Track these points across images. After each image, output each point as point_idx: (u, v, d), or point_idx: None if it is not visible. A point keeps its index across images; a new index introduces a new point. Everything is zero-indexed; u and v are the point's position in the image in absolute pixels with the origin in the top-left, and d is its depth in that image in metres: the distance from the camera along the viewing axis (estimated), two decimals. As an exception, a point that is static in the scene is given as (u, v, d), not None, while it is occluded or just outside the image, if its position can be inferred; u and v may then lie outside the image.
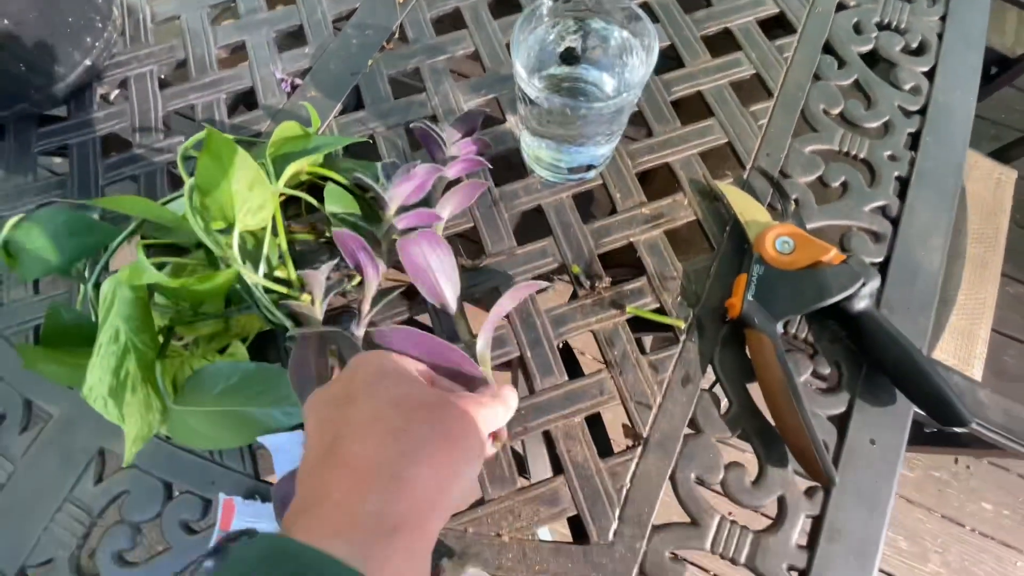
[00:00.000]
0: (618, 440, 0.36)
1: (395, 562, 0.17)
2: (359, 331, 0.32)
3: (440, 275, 0.32)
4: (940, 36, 0.47)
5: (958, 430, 0.34)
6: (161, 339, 0.32)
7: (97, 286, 0.35)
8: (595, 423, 0.36)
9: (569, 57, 0.35)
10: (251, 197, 0.31)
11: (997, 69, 1.00)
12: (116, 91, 0.48)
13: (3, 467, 0.36)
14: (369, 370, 0.22)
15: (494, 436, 0.28)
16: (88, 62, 0.45)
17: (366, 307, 0.33)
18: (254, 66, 0.46)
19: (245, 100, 0.48)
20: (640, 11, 0.33)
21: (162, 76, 0.47)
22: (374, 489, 0.18)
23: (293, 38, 0.48)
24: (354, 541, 0.17)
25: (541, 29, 0.35)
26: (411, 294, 0.38)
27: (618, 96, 0.31)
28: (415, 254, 0.32)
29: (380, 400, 0.21)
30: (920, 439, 0.85)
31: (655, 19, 0.46)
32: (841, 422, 0.35)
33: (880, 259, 0.39)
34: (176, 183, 0.43)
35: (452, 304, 0.33)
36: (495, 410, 0.24)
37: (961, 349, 0.70)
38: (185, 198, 0.30)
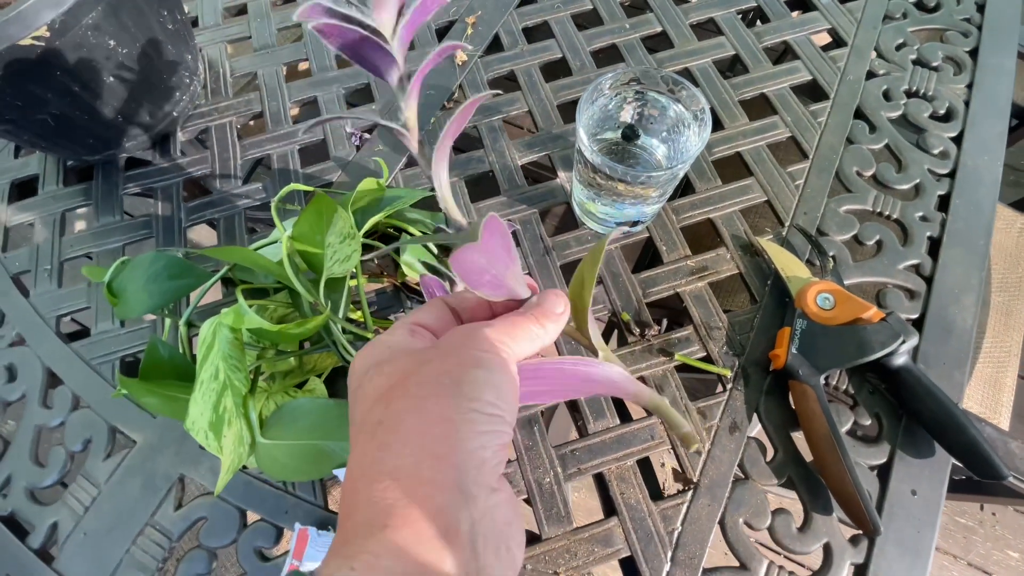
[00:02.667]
0: (668, 485, 0.38)
1: (382, 561, 0.15)
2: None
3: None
4: (967, 103, 0.50)
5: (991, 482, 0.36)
6: (251, 376, 0.35)
7: (189, 324, 0.39)
8: (646, 467, 0.38)
9: (629, 134, 0.39)
10: (341, 248, 0.34)
11: (1016, 122, 1.03)
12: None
13: (88, 491, 0.38)
14: (352, 379, 0.20)
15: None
16: (175, 113, 0.49)
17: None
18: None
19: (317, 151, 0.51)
20: (694, 89, 0.36)
21: (240, 127, 0.51)
22: (351, 497, 0.17)
23: (362, 96, 0.52)
24: (341, 554, 0.15)
25: (602, 100, 0.38)
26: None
27: (671, 166, 0.34)
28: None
29: (359, 403, 0.19)
30: (952, 486, 0.85)
31: (696, 84, 0.50)
32: (883, 472, 0.37)
33: (915, 315, 0.41)
34: (251, 227, 0.47)
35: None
36: (520, 323, 0.20)
37: (988, 397, 0.71)
38: (283, 248, 0.34)
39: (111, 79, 0.42)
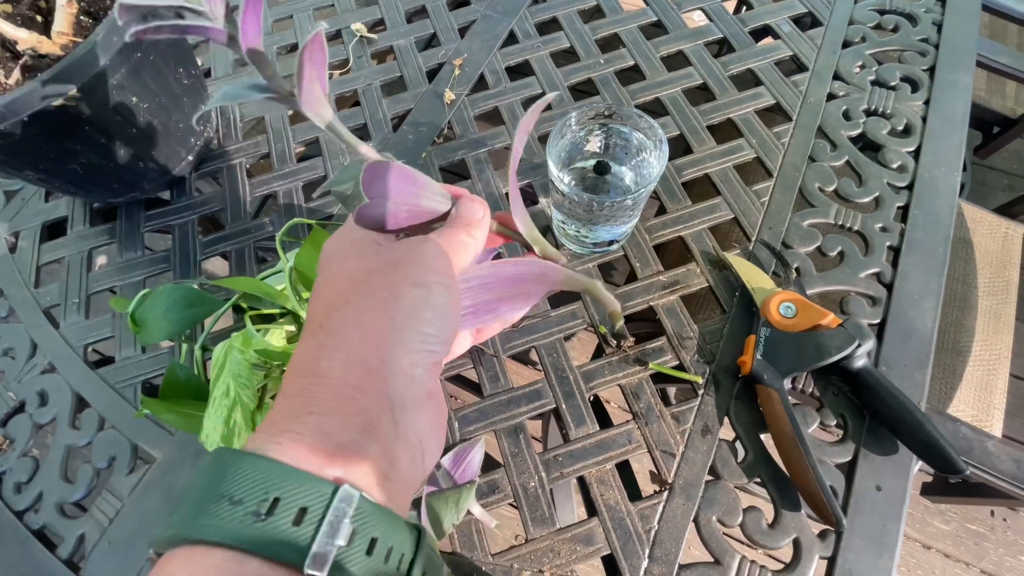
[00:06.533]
0: (645, 486, 0.41)
1: (305, 439, 0.17)
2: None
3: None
4: (924, 119, 0.53)
5: (956, 478, 0.38)
6: (258, 393, 0.38)
7: (203, 348, 0.42)
8: (625, 469, 0.40)
9: (601, 168, 0.42)
10: (336, 276, 0.38)
11: (1000, 128, 1.06)
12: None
13: (112, 504, 0.42)
14: (320, 265, 0.22)
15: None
16: (190, 157, 0.54)
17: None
18: (327, 158, 0.54)
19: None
20: (652, 120, 0.40)
21: (249, 167, 0.56)
22: (289, 386, 0.18)
23: (359, 134, 0.56)
24: (266, 434, 0.17)
25: (570, 134, 0.42)
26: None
27: (637, 191, 0.38)
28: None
29: (314, 297, 0.21)
30: (948, 489, 0.85)
31: (666, 112, 0.54)
32: (848, 470, 0.39)
33: (877, 321, 0.43)
34: (261, 258, 0.51)
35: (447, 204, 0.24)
36: (451, 241, 0.22)
37: (980, 400, 0.72)
38: (285, 276, 0.38)
39: (134, 131, 0.47)
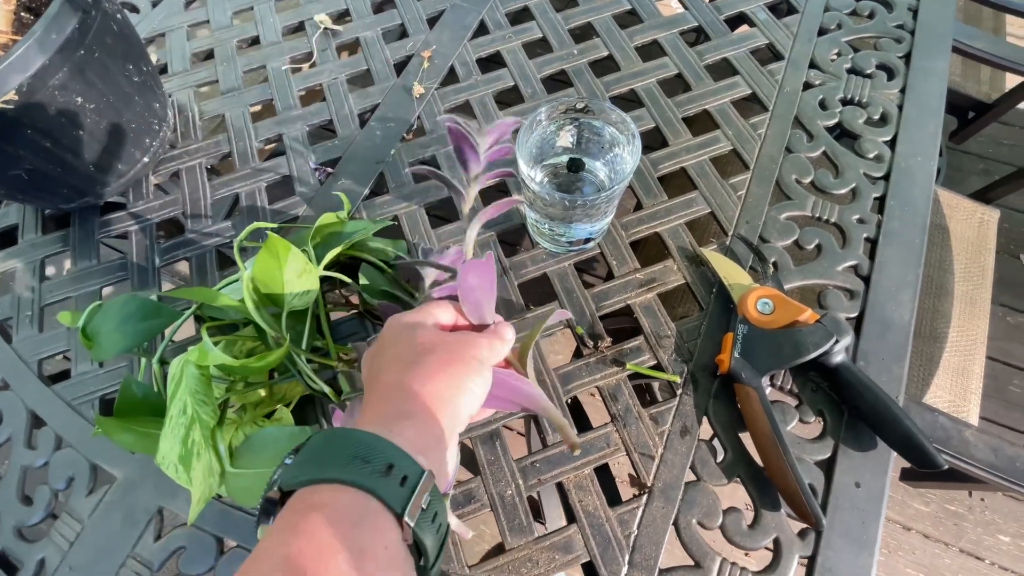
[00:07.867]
0: (624, 490, 0.40)
1: (407, 433, 0.25)
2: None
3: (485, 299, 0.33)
4: (900, 107, 0.52)
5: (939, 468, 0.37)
6: (219, 409, 0.36)
7: (161, 361, 0.40)
8: (604, 474, 0.39)
9: (573, 167, 0.41)
10: (298, 283, 0.36)
11: (975, 114, 1.06)
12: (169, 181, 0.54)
13: (72, 526, 0.40)
14: (395, 327, 0.31)
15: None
16: (146, 159, 0.52)
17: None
18: (291, 157, 0.52)
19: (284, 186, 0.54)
20: (623, 114, 0.39)
21: (209, 167, 0.54)
22: (392, 398, 0.27)
23: (325, 131, 0.54)
24: (380, 424, 0.25)
25: (540, 129, 0.40)
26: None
27: (610, 187, 0.37)
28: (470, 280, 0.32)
29: (401, 344, 0.30)
30: (928, 475, 0.86)
31: (641, 104, 0.52)
32: (828, 467, 0.38)
33: (854, 314, 0.43)
34: (223, 262, 0.49)
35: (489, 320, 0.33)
36: (491, 342, 0.31)
37: (957, 385, 0.72)
38: (244, 287, 0.36)
39: (81, 133, 0.45)
